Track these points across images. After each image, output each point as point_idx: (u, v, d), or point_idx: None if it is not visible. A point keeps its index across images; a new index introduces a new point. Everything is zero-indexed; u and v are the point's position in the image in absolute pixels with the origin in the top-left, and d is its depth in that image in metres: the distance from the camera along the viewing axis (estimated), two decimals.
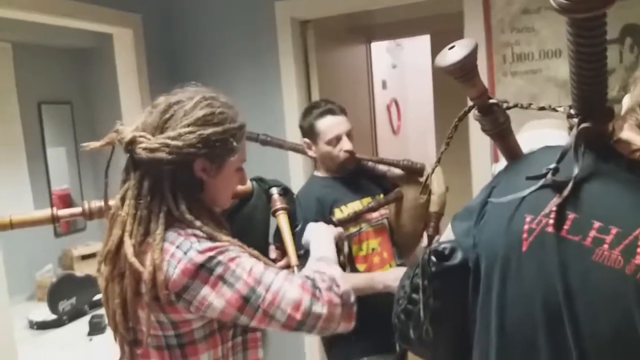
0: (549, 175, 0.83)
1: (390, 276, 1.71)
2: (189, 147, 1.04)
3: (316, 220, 1.51)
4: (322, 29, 2.82)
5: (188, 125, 1.05)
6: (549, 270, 0.80)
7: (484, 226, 0.93)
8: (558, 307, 0.78)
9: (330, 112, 1.88)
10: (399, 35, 4.42)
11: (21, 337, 2.62)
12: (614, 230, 0.76)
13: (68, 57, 3.74)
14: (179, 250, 1.01)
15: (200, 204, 1.11)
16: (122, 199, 1.07)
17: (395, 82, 5.15)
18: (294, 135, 2.44)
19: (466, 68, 0.89)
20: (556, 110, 0.92)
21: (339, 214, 1.86)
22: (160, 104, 1.10)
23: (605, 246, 0.76)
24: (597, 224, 0.78)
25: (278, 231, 1.47)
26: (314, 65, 2.79)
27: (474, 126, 1.71)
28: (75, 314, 3.06)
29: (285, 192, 1.52)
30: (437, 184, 1.84)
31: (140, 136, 1.05)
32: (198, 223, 1.06)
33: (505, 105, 0.97)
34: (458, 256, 0.97)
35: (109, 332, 1.25)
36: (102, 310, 2.56)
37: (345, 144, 1.87)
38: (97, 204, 1.28)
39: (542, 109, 0.96)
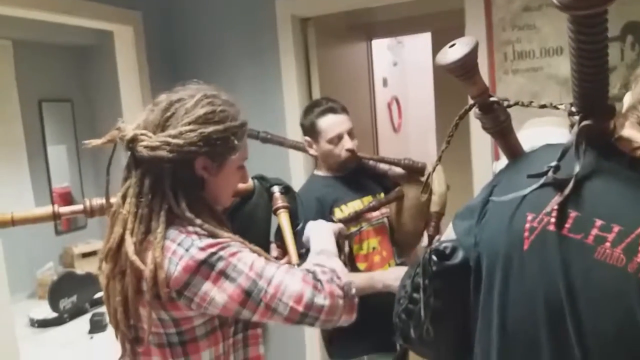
0: (550, 174, 0.82)
1: (390, 276, 1.71)
2: (190, 145, 1.04)
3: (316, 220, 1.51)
4: (322, 26, 2.82)
5: (189, 124, 1.05)
6: (551, 268, 0.80)
7: (485, 225, 0.92)
8: (560, 306, 0.78)
9: (332, 110, 1.88)
10: (400, 32, 4.41)
11: (22, 335, 2.62)
12: (616, 229, 0.76)
13: (68, 54, 3.73)
14: (180, 248, 1.01)
15: (201, 202, 1.11)
16: (124, 197, 1.07)
17: (396, 79, 5.14)
18: (294, 133, 2.43)
19: (467, 66, 0.89)
20: (557, 108, 0.92)
21: (339, 213, 1.86)
22: (161, 102, 1.10)
23: (608, 244, 0.76)
24: (599, 222, 0.77)
25: (279, 230, 1.47)
26: (315, 63, 2.78)
27: (475, 124, 1.71)
28: (76, 312, 3.05)
29: (287, 190, 1.52)
30: (438, 183, 1.84)
31: (142, 134, 1.04)
32: (199, 221, 1.05)
33: (506, 103, 0.97)
34: (459, 255, 0.97)
35: (110, 330, 1.25)
36: (103, 308, 2.57)
37: (347, 143, 1.87)
38: (98, 201, 1.28)
39: (543, 106, 0.96)
